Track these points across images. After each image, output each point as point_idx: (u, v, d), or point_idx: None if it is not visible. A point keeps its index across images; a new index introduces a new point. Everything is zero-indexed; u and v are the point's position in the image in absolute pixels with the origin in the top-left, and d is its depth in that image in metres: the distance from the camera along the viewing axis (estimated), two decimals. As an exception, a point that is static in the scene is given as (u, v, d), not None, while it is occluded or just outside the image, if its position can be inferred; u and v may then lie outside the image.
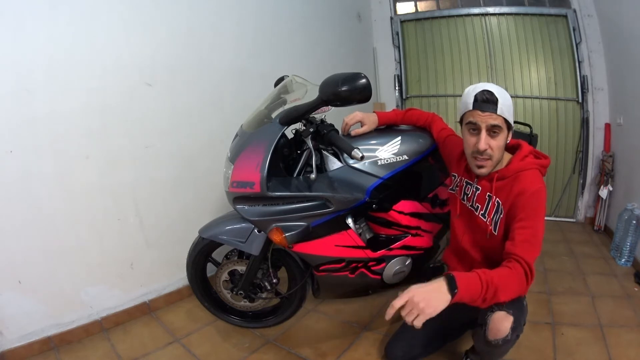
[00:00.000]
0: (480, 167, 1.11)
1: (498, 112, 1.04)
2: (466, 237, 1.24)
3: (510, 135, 1.13)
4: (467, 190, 1.22)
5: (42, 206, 1.46)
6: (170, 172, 1.85)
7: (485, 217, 1.14)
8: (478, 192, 1.17)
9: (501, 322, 1.02)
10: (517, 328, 1.04)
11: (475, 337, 1.16)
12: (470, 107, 1.07)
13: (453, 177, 1.31)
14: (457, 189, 1.27)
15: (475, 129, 1.08)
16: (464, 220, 1.25)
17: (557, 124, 3.17)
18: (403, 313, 0.88)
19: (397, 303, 0.89)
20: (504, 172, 1.11)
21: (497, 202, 1.11)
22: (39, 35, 1.39)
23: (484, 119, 1.05)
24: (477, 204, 1.18)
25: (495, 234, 1.12)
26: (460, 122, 1.15)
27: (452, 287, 0.89)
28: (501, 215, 1.10)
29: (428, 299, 0.87)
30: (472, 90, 1.08)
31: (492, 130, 1.06)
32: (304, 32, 2.64)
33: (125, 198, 1.70)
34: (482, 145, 1.06)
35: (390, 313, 0.90)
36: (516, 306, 1.05)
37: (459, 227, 1.27)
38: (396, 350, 1.32)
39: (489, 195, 1.13)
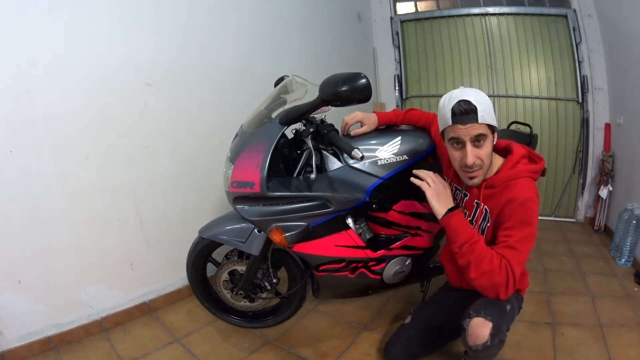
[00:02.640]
0: (472, 178, 1.08)
1: (480, 121, 0.99)
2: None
3: (496, 137, 1.08)
4: (456, 196, 1.21)
5: (42, 206, 1.46)
6: (170, 172, 1.85)
7: (473, 224, 1.13)
8: (466, 198, 1.16)
9: (479, 328, 1.01)
10: (497, 334, 1.02)
11: (462, 341, 1.16)
12: (450, 123, 1.02)
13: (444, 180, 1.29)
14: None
15: (459, 143, 1.04)
16: None
17: (557, 124, 3.17)
18: (423, 172, 1.15)
19: (424, 174, 1.15)
20: (493, 181, 1.08)
21: (485, 209, 1.09)
22: (39, 35, 1.39)
23: (467, 131, 1.00)
24: (465, 210, 1.16)
25: None
26: (442, 136, 1.11)
27: (450, 211, 1.08)
28: (488, 224, 1.08)
29: (435, 191, 1.11)
30: (447, 103, 1.02)
31: (477, 140, 1.02)
32: (304, 32, 2.64)
33: (125, 198, 1.70)
34: (471, 160, 1.02)
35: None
36: (497, 312, 1.04)
37: None
38: (395, 351, 1.32)
39: (476, 202, 1.12)
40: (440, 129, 1.10)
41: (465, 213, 1.16)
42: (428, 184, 1.11)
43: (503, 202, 1.04)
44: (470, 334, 1.03)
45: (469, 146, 1.01)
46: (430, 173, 1.14)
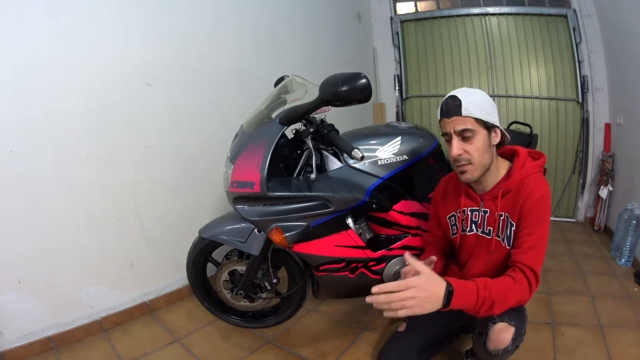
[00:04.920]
0: (462, 172, 1.07)
1: (463, 114, 1.00)
2: (474, 267, 1.17)
3: (497, 134, 1.07)
4: (475, 217, 1.14)
5: (42, 206, 1.46)
6: (170, 172, 1.85)
7: (499, 237, 1.10)
8: (487, 215, 1.11)
9: (502, 334, 1.01)
10: (517, 339, 1.03)
11: (475, 344, 1.15)
12: (439, 117, 1.07)
13: (450, 220, 1.21)
14: (458, 224, 1.19)
15: (448, 138, 1.06)
16: (467, 250, 1.19)
17: (557, 124, 3.17)
18: (391, 298, 0.84)
19: (392, 287, 0.84)
20: (509, 186, 1.07)
21: (506, 216, 1.07)
22: (39, 35, 1.39)
23: (451, 125, 1.03)
24: (488, 227, 1.12)
25: (509, 247, 1.07)
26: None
27: (447, 301, 0.88)
28: (513, 228, 1.06)
29: (421, 303, 0.85)
30: (441, 101, 1.07)
31: (463, 135, 1.02)
32: (304, 32, 2.64)
33: (125, 198, 1.70)
34: (454, 151, 1.03)
35: (378, 290, 0.86)
36: (517, 316, 1.04)
37: (462, 256, 1.21)
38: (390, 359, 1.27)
39: (498, 215, 1.09)
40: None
41: (489, 230, 1.12)
42: (409, 305, 0.84)
43: (521, 203, 1.04)
44: (492, 339, 1.03)
45: (454, 139, 1.03)
46: (402, 293, 0.85)
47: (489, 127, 1.05)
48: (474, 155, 1.03)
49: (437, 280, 0.89)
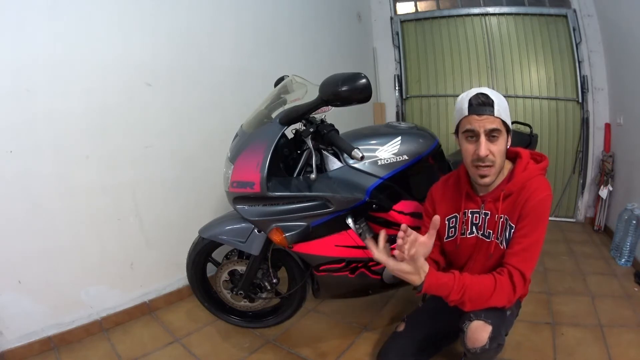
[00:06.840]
0: (483, 176, 1.04)
1: (495, 114, 0.99)
2: (472, 269, 1.16)
3: (510, 139, 1.07)
4: (476, 220, 1.13)
5: (42, 206, 1.46)
6: (170, 172, 1.85)
7: (498, 239, 1.09)
8: (488, 217, 1.11)
9: (479, 332, 1.00)
10: (496, 338, 1.01)
11: (460, 341, 1.15)
12: (466, 113, 1.01)
13: (448, 222, 1.19)
14: (458, 226, 1.18)
15: (473, 135, 1.02)
16: (466, 252, 1.18)
17: (557, 124, 3.17)
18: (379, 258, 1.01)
19: (383, 261, 1.00)
20: (511, 188, 1.06)
21: (506, 219, 1.07)
22: (39, 35, 1.39)
23: (482, 123, 1.00)
24: (488, 230, 1.11)
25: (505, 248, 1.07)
26: (456, 132, 1.09)
27: (419, 288, 0.99)
28: (512, 230, 1.05)
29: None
30: (465, 96, 1.03)
31: (491, 135, 1.00)
32: (304, 32, 2.64)
33: (125, 198, 1.70)
34: (483, 151, 0.99)
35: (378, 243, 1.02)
36: (497, 316, 1.03)
37: (460, 259, 1.20)
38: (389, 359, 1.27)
39: (498, 217, 1.08)
40: (455, 123, 1.09)
41: (489, 233, 1.11)
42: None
43: (521, 205, 1.03)
44: (469, 336, 1.02)
45: (482, 138, 1.00)
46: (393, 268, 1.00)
47: (508, 131, 1.05)
48: (497, 157, 1.02)
49: (415, 276, 0.98)
